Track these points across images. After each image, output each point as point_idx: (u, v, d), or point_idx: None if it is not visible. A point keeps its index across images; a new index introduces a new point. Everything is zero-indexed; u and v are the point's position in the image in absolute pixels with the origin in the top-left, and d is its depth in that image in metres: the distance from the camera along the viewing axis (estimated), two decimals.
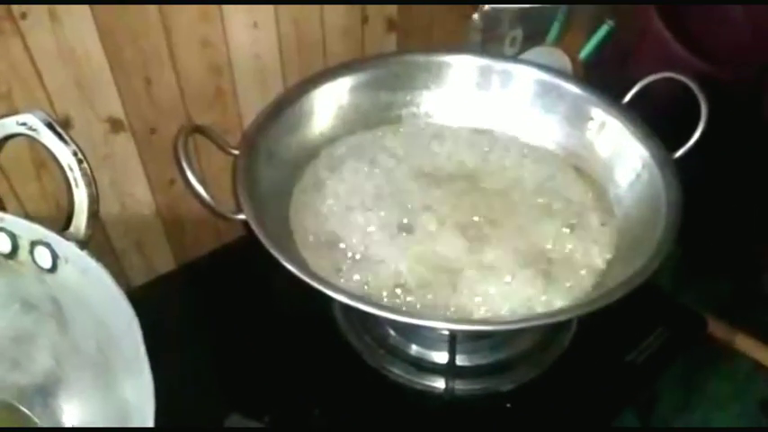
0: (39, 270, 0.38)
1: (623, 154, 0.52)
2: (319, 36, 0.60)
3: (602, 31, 0.73)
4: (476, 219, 0.51)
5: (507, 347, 0.51)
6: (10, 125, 0.36)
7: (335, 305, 0.54)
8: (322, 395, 0.50)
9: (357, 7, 0.60)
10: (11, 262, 0.38)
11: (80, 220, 0.36)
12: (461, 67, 0.58)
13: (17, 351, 0.39)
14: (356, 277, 0.46)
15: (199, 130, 0.46)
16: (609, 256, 0.49)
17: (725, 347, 0.66)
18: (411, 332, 0.52)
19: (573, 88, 0.55)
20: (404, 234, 0.50)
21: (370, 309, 0.38)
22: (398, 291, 0.46)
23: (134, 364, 0.32)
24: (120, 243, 0.57)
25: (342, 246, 0.48)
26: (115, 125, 0.51)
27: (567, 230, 0.51)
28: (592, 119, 0.54)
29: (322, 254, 0.48)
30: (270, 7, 0.54)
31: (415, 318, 0.39)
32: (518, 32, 0.79)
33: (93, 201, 0.36)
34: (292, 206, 0.52)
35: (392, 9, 0.64)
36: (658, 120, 0.53)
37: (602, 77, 0.78)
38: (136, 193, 0.56)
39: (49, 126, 0.35)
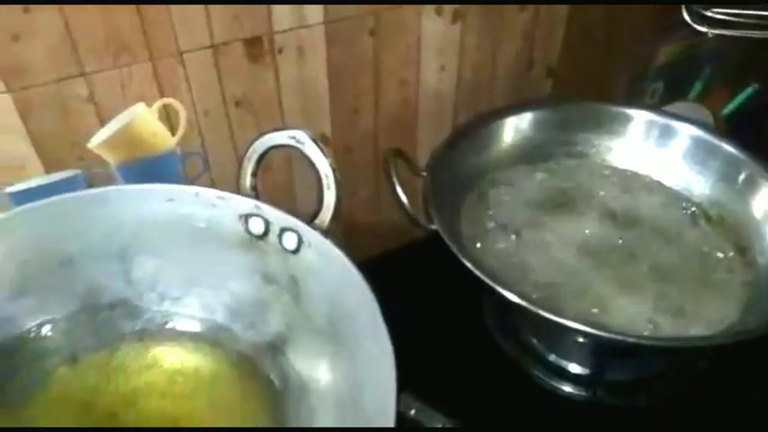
0: (283, 251, 0.47)
1: None
2: (489, 78, 0.68)
3: (747, 92, 0.78)
4: (615, 253, 0.57)
5: (646, 367, 0.56)
6: (281, 138, 0.46)
7: (487, 313, 0.62)
8: (472, 390, 0.57)
9: (525, 54, 0.69)
10: (260, 242, 0.48)
11: (326, 215, 0.46)
12: (629, 118, 0.65)
13: (255, 315, 0.49)
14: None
15: (399, 154, 0.56)
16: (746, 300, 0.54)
17: None
18: (554, 343, 0.58)
19: (727, 147, 0.61)
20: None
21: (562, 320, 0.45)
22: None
23: (371, 336, 0.40)
24: None
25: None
26: (323, 142, 0.61)
27: (707, 275, 0.56)
28: (742, 176, 0.60)
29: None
30: (455, 51, 0.64)
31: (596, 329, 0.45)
32: (659, 86, 0.85)
33: (339, 202, 0.46)
34: (462, 217, 0.60)
35: (553, 58, 0.72)
36: None
37: (744, 134, 0.82)
38: None
39: (314, 141, 0.45)
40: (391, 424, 0.36)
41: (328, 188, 0.45)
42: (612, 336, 0.45)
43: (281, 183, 0.61)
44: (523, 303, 0.46)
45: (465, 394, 0.56)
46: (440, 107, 0.67)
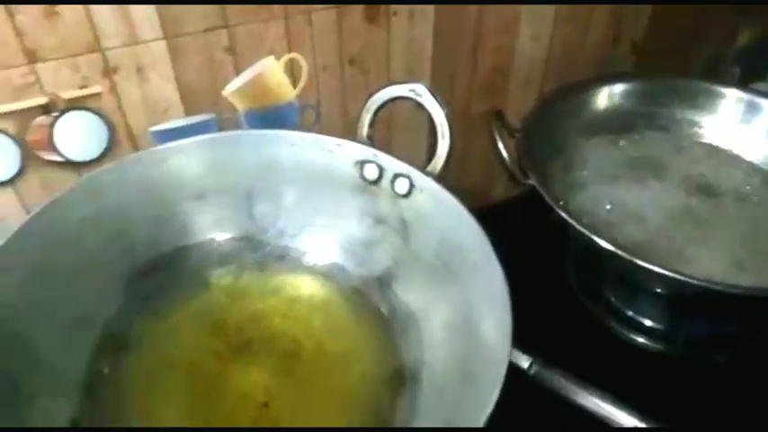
0: (394, 195, 0.52)
1: None
2: (577, 50, 0.72)
3: None
4: (696, 216, 0.60)
5: (720, 323, 0.60)
6: (401, 90, 0.51)
7: (570, 272, 0.66)
8: (553, 337, 0.61)
9: (611, 29, 0.72)
10: (373, 187, 0.53)
11: (438, 162, 0.50)
12: (714, 94, 0.68)
13: (365, 253, 0.54)
14: None
15: (499, 115, 0.60)
16: None
17: None
18: (634, 301, 0.62)
19: None
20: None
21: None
22: None
23: (483, 271, 0.44)
24: None
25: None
26: None
27: None
28: None
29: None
30: (550, 23, 0.67)
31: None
32: (736, 70, 0.86)
33: (451, 150, 0.50)
34: (548, 179, 0.64)
35: (638, 34, 0.74)
36: None
37: None
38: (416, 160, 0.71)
39: (432, 94, 0.50)
40: (508, 348, 0.40)
41: (443, 137, 0.50)
42: (695, 281, 0.48)
43: (379, 139, 0.65)
44: (618, 251, 0.49)
45: (547, 341, 0.60)
46: (530, 75, 0.70)
